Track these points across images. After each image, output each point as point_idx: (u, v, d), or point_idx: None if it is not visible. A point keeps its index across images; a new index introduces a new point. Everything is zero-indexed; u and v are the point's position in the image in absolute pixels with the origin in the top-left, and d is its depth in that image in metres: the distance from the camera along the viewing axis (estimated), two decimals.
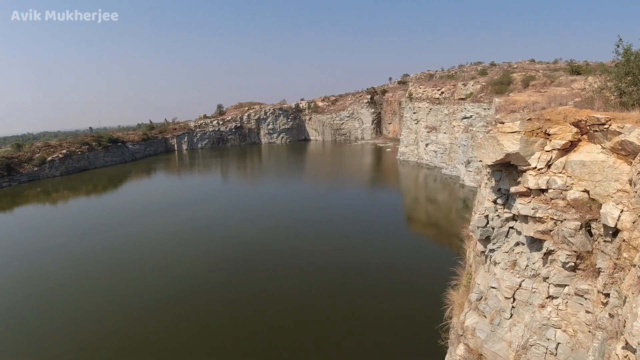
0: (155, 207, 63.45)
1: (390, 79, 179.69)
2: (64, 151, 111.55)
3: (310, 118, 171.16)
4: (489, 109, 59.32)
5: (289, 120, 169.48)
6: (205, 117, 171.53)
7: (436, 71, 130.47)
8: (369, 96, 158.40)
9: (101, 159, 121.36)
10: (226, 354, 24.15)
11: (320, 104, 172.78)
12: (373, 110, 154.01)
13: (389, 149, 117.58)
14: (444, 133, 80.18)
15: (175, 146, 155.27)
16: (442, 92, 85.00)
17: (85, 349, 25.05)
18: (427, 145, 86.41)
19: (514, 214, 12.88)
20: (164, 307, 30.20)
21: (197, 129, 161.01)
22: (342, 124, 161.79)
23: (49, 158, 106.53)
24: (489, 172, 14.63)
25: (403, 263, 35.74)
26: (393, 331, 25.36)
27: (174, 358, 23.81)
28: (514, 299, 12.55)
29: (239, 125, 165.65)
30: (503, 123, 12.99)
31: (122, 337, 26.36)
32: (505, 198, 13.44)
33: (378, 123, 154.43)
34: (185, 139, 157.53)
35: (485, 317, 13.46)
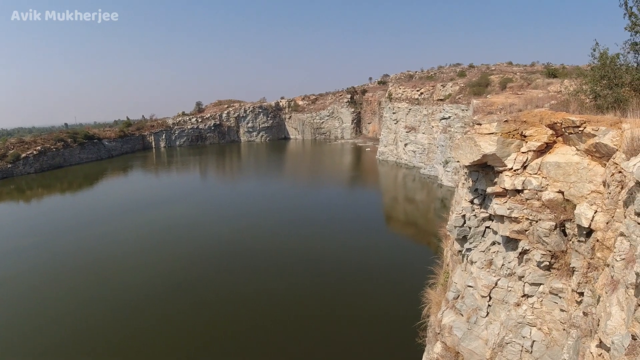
0: (131, 205, 62.51)
1: (370, 79, 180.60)
2: (39, 148, 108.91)
3: (290, 117, 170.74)
4: (467, 110, 60.11)
5: (268, 118, 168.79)
6: (183, 114, 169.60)
7: (416, 72, 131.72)
8: (349, 96, 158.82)
9: (77, 156, 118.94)
10: (200, 354, 23.93)
11: (300, 102, 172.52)
12: (353, 109, 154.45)
13: (369, 149, 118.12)
14: (423, 133, 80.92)
15: (153, 143, 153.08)
16: (422, 93, 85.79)
17: (61, 348, 24.57)
18: (406, 145, 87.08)
19: (490, 214, 13.04)
20: (140, 306, 29.82)
21: (176, 127, 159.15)
22: (322, 123, 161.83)
23: (23, 155, 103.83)
24: (466, 173, 14.80)
25: (382, 262, 35.93)
26: (371, 329, 25.51)
27: (149, 356, 23.53)
28: (490, 298, 12.72)
29: (218, 123, 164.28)
30: (480, 124, 13.14)
31: (96, 336, 25.94)
32: (482, 198, 13.60)
33: (358, 122, 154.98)
34: (163, 137, 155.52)
35: (462, 315, 13.61)
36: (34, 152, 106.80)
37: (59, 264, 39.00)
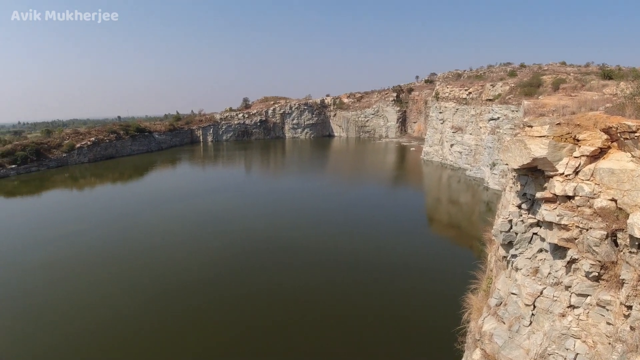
0: (177, 196, 64.38)
1: (417, 77, 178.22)
2: (92, 139, 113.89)
3: (335, 114, 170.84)
4: (517, 111, 58.27)
5: (313, 115, 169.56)
6: (231, 109, 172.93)
7: (464, 71, 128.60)
8: (395, 94, 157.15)
9: (128, 147, 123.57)
10: (234, 348, 24.28)
11: (345, 100, 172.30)
12: (398, 108, 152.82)
13: (413, 148, 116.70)
14: (470, 134, 79.11)
15: (201, 138, 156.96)
16: (470, 93, 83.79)
17: (93, 334, 25.60)
18: (452, 145, 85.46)
19: (539, 220, 12.63)
20: (176, 295, 30.61)
21: (223, 122, 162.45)
22: (367, 121, 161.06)
23: (78, 145, 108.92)
24: (514, 176, 14.38)
25: (422, 264, 35.41)
26: (409, 332, 25.21)
27: (180, 345, 24.12)
28: (534, 307, 12.33)
29: (264, 119, 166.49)
30: (531, 126, 12.74)
31: (129, 323, 26.90)
32: (530, 203, 13.19)
33: (403, 122, 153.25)
34: (211, 131, 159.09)
35: (504, 323, 13.27)
36: (88, 142, 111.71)
37: (103, 250, 40.66)
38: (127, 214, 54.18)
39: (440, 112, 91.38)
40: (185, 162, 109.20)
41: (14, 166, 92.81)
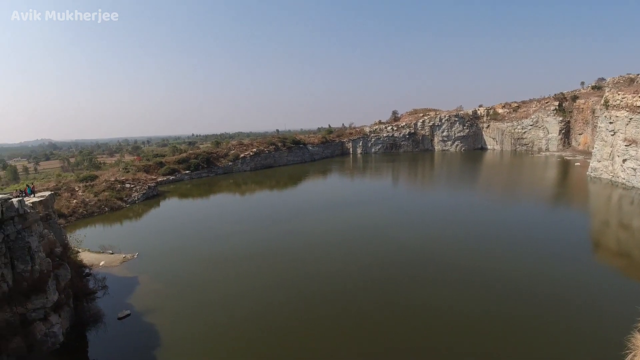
0: (325, 205, 67.38)
1: (582, 83, 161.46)
2: (254, 149, 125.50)
3: (488, 126, 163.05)
4: None
5: (464, 127, 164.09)
6: (380, 122, 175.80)
7: (638, 75, 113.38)
8: (556, 103, 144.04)
9: (284, 158, 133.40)
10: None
11: (500, 110, 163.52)
12: (561, 118, 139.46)
13: (578, 163, 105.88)
14: None
15: (351, 150, 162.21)
16: None
17: (246, 319, 28.12)
18: (624, 161, 75.61)
19: None
20: (323, 295, 32.11)
21: (372, 134, 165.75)
22: (524, 133, 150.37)
23: (242, 155, 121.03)
24: None
25: (579, 294, 31.66)
26: None
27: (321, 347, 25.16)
28: None
29: (412, 131, 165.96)
30: None
31: (278, 314, 28.94)
32: None
33: (566, 133, 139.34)
34: (360, 144, 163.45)
35: None
36: (250, 153, 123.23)
37: (261, 249, 44.55)
38: (282, 220, 58.49)
39: (611, 122, 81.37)
40: (336, 172, 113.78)
41: (187, 172, 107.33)
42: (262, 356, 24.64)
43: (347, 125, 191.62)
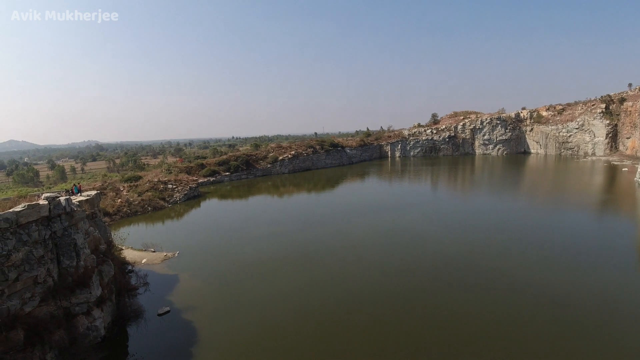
0: (363, 209, 66.91)
1: (629, 85, 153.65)
2: (293, 152, 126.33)
3: (531, 129, 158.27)
4: None
5: (507, 130, 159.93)
6: (419, 125, 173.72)
7: None
8: (603, 105, 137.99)
9: (322, 160, 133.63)
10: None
11: (544, 113, 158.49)
12: (608, 121, 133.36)
13: (626, 169, 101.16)
14: None
15: (389, 153, 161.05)
16: None
17: (280, 320, 28.14)
18: None
19: None
20: (356, 298, 31.78)
21: (411, 137, 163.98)
22: (569, 136, 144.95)
23: (280, 157, 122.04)
24: None
25: (627, 307, 30.07)
26: None
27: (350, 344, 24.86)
28: None
29: (452, 134, 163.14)
30: None
31: (311, 315, 28.79)
32: None
33: (613, 137, 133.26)
34: (399, 147, 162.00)
35: None
36: (289, 155, 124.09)
37: (295, 251, 44.81)
38: (318, 222, 58.40)
39: None
40: (374, 176, 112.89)
41: (227, 173, 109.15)
42: (295, 356, 24.58)
43: (385, 128, 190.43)
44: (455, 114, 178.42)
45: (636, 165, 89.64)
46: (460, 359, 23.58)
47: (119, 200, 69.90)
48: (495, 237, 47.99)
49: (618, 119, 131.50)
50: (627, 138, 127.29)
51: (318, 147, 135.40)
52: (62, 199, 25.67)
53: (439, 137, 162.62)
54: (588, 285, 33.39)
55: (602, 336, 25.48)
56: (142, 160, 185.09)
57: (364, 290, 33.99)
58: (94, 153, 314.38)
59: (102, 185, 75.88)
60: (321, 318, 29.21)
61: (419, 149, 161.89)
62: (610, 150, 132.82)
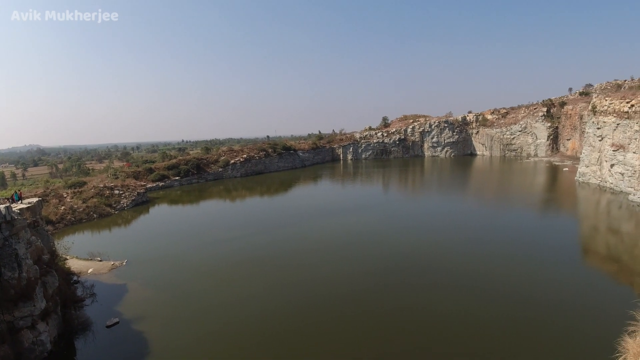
0: (317, 211, 67.31)
1: (570, 89, 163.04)
2: (245, 156, 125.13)
3: (477, 132, 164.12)
4: None
5: (454, 133, 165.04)
6: (370, 128, 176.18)
7: (625, 81, 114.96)
8: (544, 109, 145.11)
9: (275, 164, 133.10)
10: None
11: (489, 117, 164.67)
12: (549, 124, 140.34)
13: (567, 169, 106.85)
14: (634, 152, 70.17)
15: (341, 156, 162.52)
16: (632, 105, 74.26)
17: (243, 324, 27.89)
18: (612, 166, 76.52)
19: None
20: (315, 302, 31.96)
21: (362, 140, 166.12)
22: (513, 138, 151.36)
23: (232, 161, 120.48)
24: None
25: (569, 298, 31.74)
26: None
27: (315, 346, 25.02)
28: None
29: (402, 137, 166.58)
30: None
31: (273, 319, 28.72)
32: None
33: (555, 139, 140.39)
34: (351, 149, 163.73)
35: None
36: (241, 159, 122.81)
37: (252, 256, 44.25)
38: (273, 226, 58.09)
39: (598, 128, 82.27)
40: (327, 178, 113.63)
41: (177, 178, 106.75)
42: None
43: (337, 131, 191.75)
44: (405, 117, 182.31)
45: (576, 165, 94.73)
46: (425, 355, 24.20)
47: (63, 207, 66.94)
48: (448, 237, 49.40)
49: (559, 122, 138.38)
50: (567, 139, 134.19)
51: (270, 150, 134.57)
52: (1, 206, 24.41)
53: (390, 139, 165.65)
54: (536, 281, 35.15)
55: (557, 328, 26.83)
56: (87, 165, 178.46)
57: (324, 292, 34.15)
58: (35, 158, 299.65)
59: (45, 191, 72.39)
60: (282, 323, 29.07)
61: (371, 151, 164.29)
62: (552, 152, 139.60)
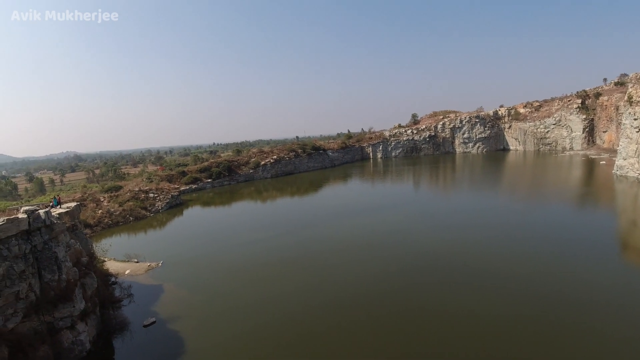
0: (347, 210, 67.18)
1: (604, 80, 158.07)
2: (275, 157, 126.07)
3: (509, 126, 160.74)
4: None
5: (486, 128, 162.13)
6: (399, 126, 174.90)
7: None
8: (579, 100, 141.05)
9: (305, 164, 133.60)
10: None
11: (521, 110, 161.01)
12: (584, 116, 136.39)
13: (604, 162, 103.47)
14: None
15: (371, 154, 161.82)
16: None
17: (269, 327, 28.10)
18: None
19: None
20: (346, 301, 31.90)
21: (392, 138, 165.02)
22: (547, 132, 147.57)
23: (262, 162, 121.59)
24: None
25: (609, 296, 30.64)
26: None
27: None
28: None
29: (433, 134, 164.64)
30: None
31: (301, 319, 28.87)
32: None
33: (590, 131, 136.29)
34: (380, 148, 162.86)
35: None
36: (271, 160, 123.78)
37: (281, 256, 44.66)
38: (303, 226, 58.45)
39: (635, 119, 79.14)
40: (356, 178, 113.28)
41: (209, 180, 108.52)
42: None
43: (366, 129, 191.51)
44: (435, 114, 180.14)
45: (613, 158, 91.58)
46: (454, 357, 23.86)
47: (100, 211, 68.96)
48: (480, 234, 48.52)
49: (594, 114, 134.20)
50: (603, 132, 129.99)
51: (300, 150, 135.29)
52: (41, 211, 25.32)
53: (420, 137, 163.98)
54: (573, 279, 34.07)
55: (590, 329, 26.02)
56: (122, 170, 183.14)
57: (354, 292, 34.09)
58: (72, 164, 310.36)
59: (82, 196, 74.70)
60: (313, 323, 29.22)
61: (400, 149, 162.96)
62: (588, 145, 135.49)
